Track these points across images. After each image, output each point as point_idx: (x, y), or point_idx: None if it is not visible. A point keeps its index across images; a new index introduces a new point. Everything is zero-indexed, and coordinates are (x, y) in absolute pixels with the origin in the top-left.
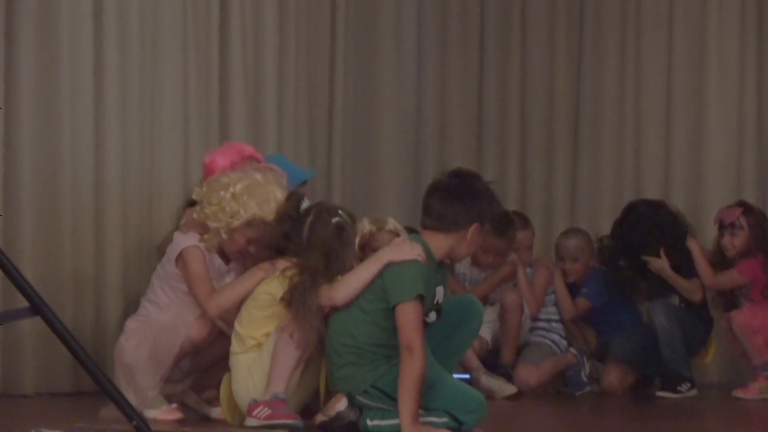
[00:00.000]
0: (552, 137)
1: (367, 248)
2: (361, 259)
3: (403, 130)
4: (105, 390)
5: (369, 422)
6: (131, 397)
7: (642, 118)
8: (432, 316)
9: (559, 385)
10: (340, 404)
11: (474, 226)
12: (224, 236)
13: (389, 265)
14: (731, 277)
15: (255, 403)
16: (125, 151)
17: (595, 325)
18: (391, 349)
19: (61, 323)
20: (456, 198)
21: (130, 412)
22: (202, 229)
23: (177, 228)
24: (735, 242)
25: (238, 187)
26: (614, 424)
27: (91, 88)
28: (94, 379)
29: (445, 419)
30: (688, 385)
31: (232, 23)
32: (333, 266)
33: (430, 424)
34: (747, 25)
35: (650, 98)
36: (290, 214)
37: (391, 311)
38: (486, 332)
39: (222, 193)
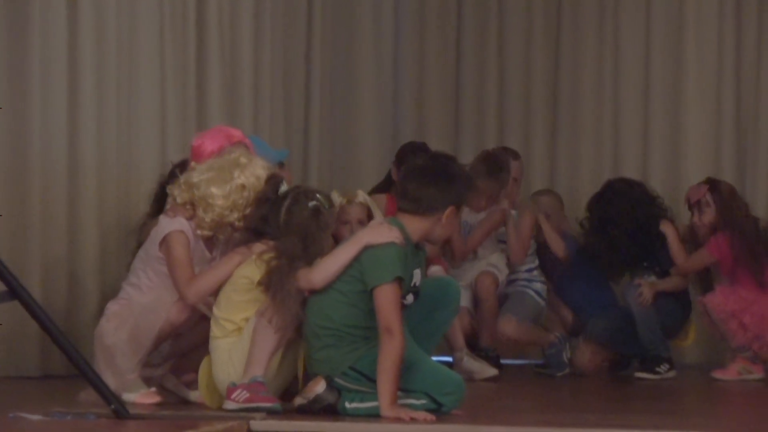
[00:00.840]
0: (530, 118)
1: (337, 221)
2: (332, 234)
3: (381, 109)
4: (84, 374)
5: (348, 405)
6: (110, 379)
7: (620, 100)
8: (409, 299)
9: (540, 367)
10: (319, 387)
11: (450, 209)
12: (238, 224)
13: (367, 248)
14: (701, 257)
15: (234, 386)
16: (101, 134)
17: (571, 304)
18: (369, 331)
19: (39, 307)
20: (432, 181)
21: (108, 396)
22: (190, 213)
23: (162, 211)
24: (703, 220)
25: (238, 176)
26: (592, 405)
27: (65, 70)
28: (73, 363)
29: (424, 401)
30: (667, 366)
31: (209, 4)
32: (310, 249)
33: (409, 406)
34: (725, 4)
35: (629, 79)
36: (268, 197)
37: (369, 293)
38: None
39: (228, 186)
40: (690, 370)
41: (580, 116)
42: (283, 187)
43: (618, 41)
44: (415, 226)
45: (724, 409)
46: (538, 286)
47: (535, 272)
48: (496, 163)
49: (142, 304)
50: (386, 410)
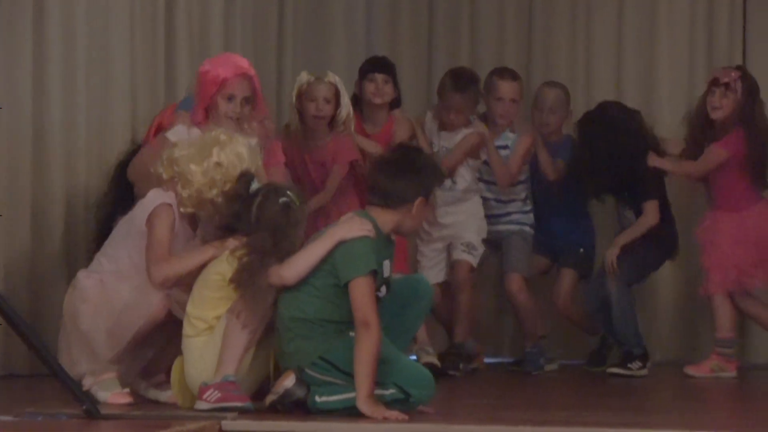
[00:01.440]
0: None
1: (304, 97)
2: (297, 109)
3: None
4: (55, 374)
5: (317, 399)
6: (84, 364)
7: (593, 84)
8: (383, 291)
9: (514, 365)
10: (288, 381)
11: (419, 200)
12: (219, 200)
13: (340, 243)
14: (714, 155)
15: (205, 386)
16: (69, 102)
17: (549, 230)
18: (341, 325)
19: (11, 308)
20: (400, 174)
21: (80, 396)
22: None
23: (121, 195)
24: (723, 102)
25: (215, 154)
26: (564, 402)
27: (30, 37)
28: (45, 364)
29: (392, 390)
30: (639, 363)
31: None
32: (281, 245)
33: (379, 397)
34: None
35: (601, 62)
36: (240, 194)
37: (342, 288)
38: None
39: (205, 163)
40: (664, 365)
41: None
42: (255, 185)
43: (590, 33)
44: (386, 218)
45: (694, 405)
46: (531, 217)
47: (528, 201)
48: (463, 77)
49: (125, 301)
50: (362, 403)
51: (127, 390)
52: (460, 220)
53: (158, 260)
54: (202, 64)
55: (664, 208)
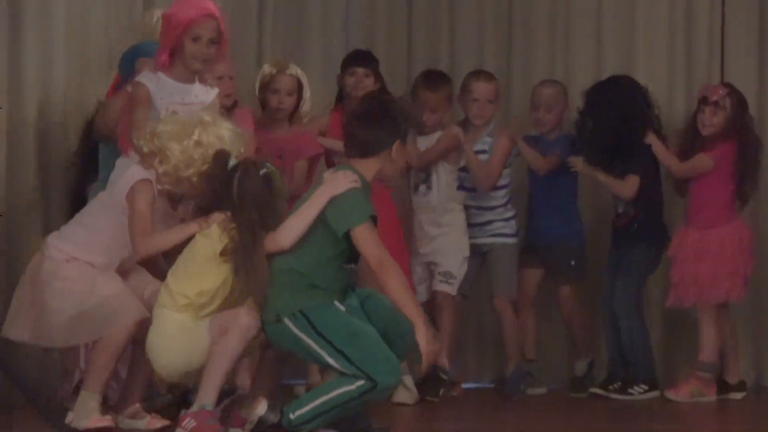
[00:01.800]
0: None
1: (267, 89)
2: (260, 101)
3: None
4: (31, 399)
5: (291, 416)
6: (27, 331)
7: (572, 86)
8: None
9: (498, 385)
10: (260, 408)
11: (396, 143)
12: (196, 180)
13: (332, 200)
14: (699, 161)
15: (185, 414)
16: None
17: (538, 226)
18: (331, 283)
19: None
20: (374, 122)
21: (57, 423)
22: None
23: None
24: (714, 120)
25: (197, 134)
26: (536, 426)
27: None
28: (22, 391)
29: (360, 383)
30: (644, 387)
31: None
32: (267, 218)
33: (347, 393)
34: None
35: (580, 64)
36: (218, 173)
37: (343, 239)
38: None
39: (186, 142)
40: None
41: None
42: (232, 161)
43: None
44: (368, 167)
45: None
46: (513, 225)
47: (510, 206)
48: (435, 76)
49: (104, 310)
50: (423, 328)
51: (109, 417)
52: (440, 245)
53: (142, 234)
54: (168, 9)
55: (655, 198)
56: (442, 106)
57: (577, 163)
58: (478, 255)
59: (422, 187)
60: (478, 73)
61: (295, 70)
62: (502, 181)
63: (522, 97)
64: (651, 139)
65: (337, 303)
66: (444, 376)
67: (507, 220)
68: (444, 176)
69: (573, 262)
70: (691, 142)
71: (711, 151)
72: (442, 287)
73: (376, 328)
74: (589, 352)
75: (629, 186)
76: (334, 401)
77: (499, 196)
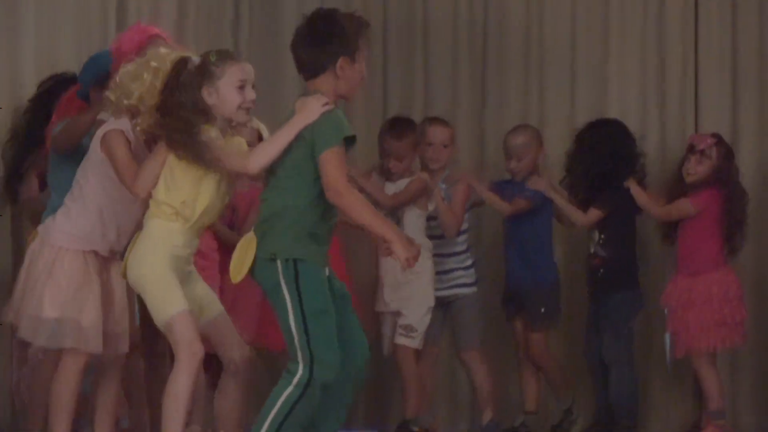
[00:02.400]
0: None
1: None
2: None
3: None
4: None
5: None
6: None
7: (546, 128)
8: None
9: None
10: None
11: (340, 59)
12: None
13: (309, 128)
14: (682, 206)
15: None
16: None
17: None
18: (325, 235)
19: None
20: (313, 41)
21: None
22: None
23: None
24: (699, 169)
25: (153, 63)
26: None
27: None
28: None
29: (300, 373)
30: None
31: None
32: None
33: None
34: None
35: (554, 107)
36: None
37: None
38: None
39: (145, 75)
40: None
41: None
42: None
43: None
44: (325, 88)
45: None
46: (473, 274)
47: (470, 254)
48: (400, 124)
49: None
50: (394, 237)
51: None
52: (407, 293)
53: (133, 177)
54: (113, 44)
55: (627, 244)
56: (409, 154)
57: (539, 182)
58: (441, 306)
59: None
60: (433, 119)
61: (256, 123)
62: (462, 227)
63: (496, 139)
64: (630, 183)
65: (326, 270)
66: (415, 429)
67: (467, 268)
68: (414, 221)
69: (543, 309)
70: (678, 191)
71: (693, 198)
72: (401, 341)
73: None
74: (567, 397)
75: (587, 216)
76: (283, 409)
77: (460, 242)
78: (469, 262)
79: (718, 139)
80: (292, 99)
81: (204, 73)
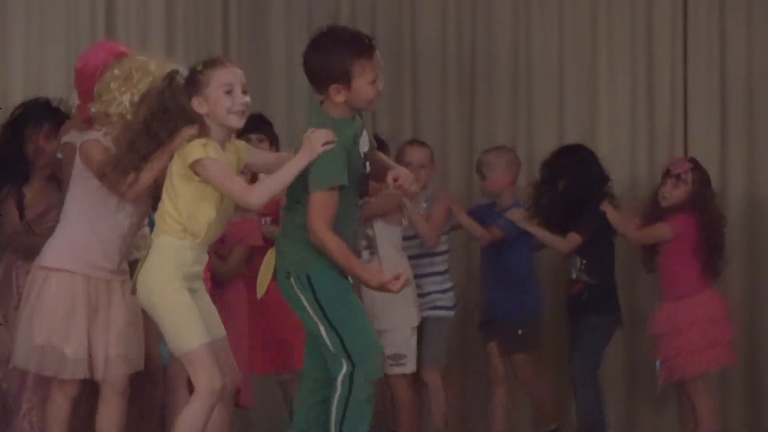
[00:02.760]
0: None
1: None
2: None
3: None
4: None
5: None
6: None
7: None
8: (367, 166)
9: None
10: None
11: (332, 87)
12: (130, 118)
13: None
14: (658, 230)
15: None
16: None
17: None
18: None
19: None
20: (316, 58)
21: None
22: (102, 124)
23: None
24: (675, 192)
25: (126, 68)
26: None
27: None
28: None
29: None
30: None
31: None
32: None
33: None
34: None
35: (542, 138)
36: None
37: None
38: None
39: (113, 84)
40: None
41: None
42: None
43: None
44: (333, 102)
45: None
46: (451, 297)
47: (448, 277)
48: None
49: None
50: (366, 274)
51: None
52: (387, 317)
53: (115, 183)
54: (78, 63)
55: (607, 267)
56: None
57: (515, 213)
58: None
59: (365, 253)
60: (411, 140)
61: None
62: (442, 247)
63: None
64: (606, 206)
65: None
66: None
67: (445, 291)
68: (387, 237)
69: (520, 332)
70: (653, 215)
71: (670, 222)
72: (393, 371)
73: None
74: (552, 419)
75: (568, 242)
76: (339, 411)
77: (439, 262)
78: (447, 285)
79: (695, 164)
80: (281, 106)
81: (192, 83)
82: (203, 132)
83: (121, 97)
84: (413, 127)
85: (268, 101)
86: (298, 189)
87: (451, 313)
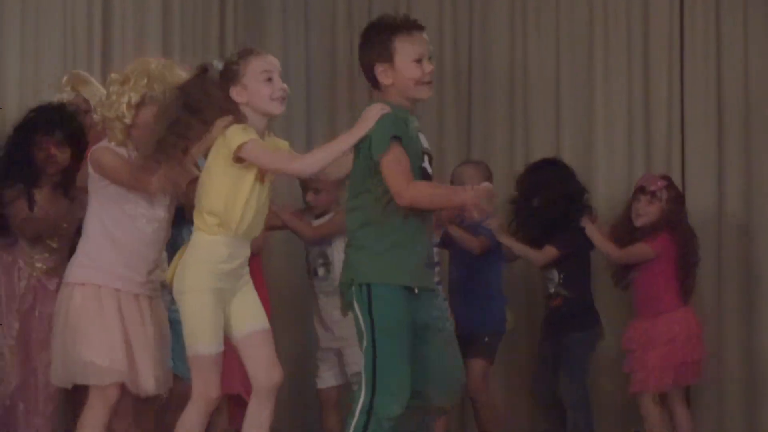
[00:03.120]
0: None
1: None
2: None
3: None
4: None
5: None
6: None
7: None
8: (427, 164)
9: None
10: None
11: (376, 66)
12: (128, 122)
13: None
14: (640, 249)
15: None
16: None
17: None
18: (411, 242)
19: None
20: (361, 43)
21: None
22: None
23: None
24: (649, 209)
25: (125, 71)
26: None
27: None
28: None
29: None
30: None
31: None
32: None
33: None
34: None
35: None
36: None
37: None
38: None
39: (111, 88)
40: None
41: (492, 138)
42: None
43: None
44: (387, 93)
45: None
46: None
47: (440, 286)
48: None
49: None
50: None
51: None
52: (346, 333)
53: (137, 176)
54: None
55: (584, 282)
56: (328, 188)
57: (493, 224)
58: None
59: (321, 270)
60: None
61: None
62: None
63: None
64: (585, 222)
65: (405, 294)
66: None
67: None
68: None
69: (486, 339)
70: (627, 232)
71: (652, 242)
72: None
73: (425, 358)
74: None
75: (544, 255)
76: None
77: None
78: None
79: (669, 182)
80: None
81: (229, 74)
82: (238, 122)
83: (119, 100)
84: None
85: None
86: (362, 175)
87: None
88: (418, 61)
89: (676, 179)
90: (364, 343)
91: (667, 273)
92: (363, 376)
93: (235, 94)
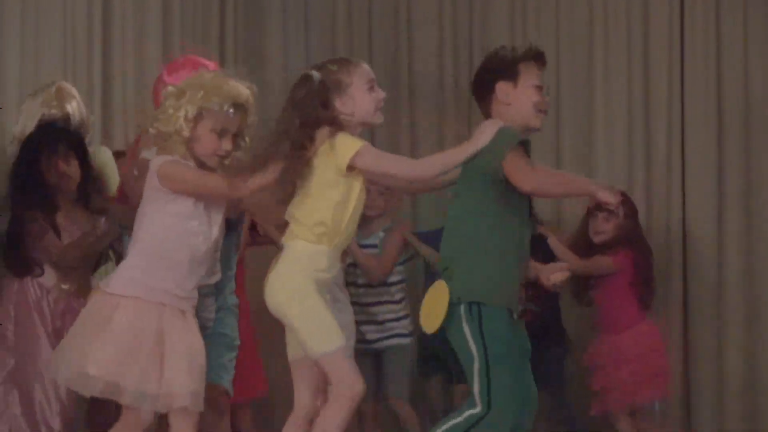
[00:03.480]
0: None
1: None
2: None
3: None
4: None
5: None
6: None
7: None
8: None
9: None
10: None
11: (498, 84)
12: (186, 135)
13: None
14: (602, 262)
15: None
16: None
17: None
18: (506, 253)
19: None
20: (482, 69)
21: None
22: (160, 145)
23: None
24: (607, 227)
25: (180, 85)
26: None
27: None
28: None
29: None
30: None
31: None
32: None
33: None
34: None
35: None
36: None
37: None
38: None
39: (167, 102)
40: None
41: None
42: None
43: None
44: (500, 114)
45: None
46: (408, 324)
47: (405, 304)
48: None
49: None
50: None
51: None
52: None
53: (223, 183)
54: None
55: (552, 296)
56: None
57: None
58: (373, 356)
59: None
60: None
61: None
62: (395, 277)
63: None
64: (546, 232)
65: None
66: None
67: (400, 319)
68: None
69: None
70: (586, 247)
71: (614, 256)
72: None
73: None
74: None
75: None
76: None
77: (393, 292)
78: (402, 314)
79: (624, 197)
80: (277, 108)
81: (332, 84)
82: (335, 132)
83: (176, 114)
84: (410, 134)
85: (264, 104)
86: (468, 197)
87: (408, 340)
88: (539, 88)
89: (676, 179)
90: (476, 365)
91: (626, 288)
92: (476, 396)
93: (341, 104)
